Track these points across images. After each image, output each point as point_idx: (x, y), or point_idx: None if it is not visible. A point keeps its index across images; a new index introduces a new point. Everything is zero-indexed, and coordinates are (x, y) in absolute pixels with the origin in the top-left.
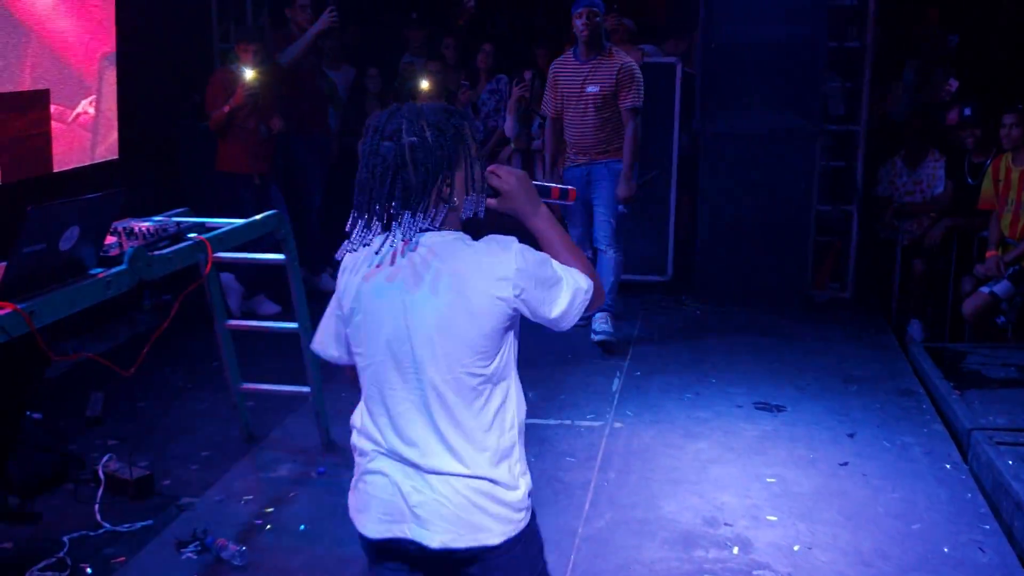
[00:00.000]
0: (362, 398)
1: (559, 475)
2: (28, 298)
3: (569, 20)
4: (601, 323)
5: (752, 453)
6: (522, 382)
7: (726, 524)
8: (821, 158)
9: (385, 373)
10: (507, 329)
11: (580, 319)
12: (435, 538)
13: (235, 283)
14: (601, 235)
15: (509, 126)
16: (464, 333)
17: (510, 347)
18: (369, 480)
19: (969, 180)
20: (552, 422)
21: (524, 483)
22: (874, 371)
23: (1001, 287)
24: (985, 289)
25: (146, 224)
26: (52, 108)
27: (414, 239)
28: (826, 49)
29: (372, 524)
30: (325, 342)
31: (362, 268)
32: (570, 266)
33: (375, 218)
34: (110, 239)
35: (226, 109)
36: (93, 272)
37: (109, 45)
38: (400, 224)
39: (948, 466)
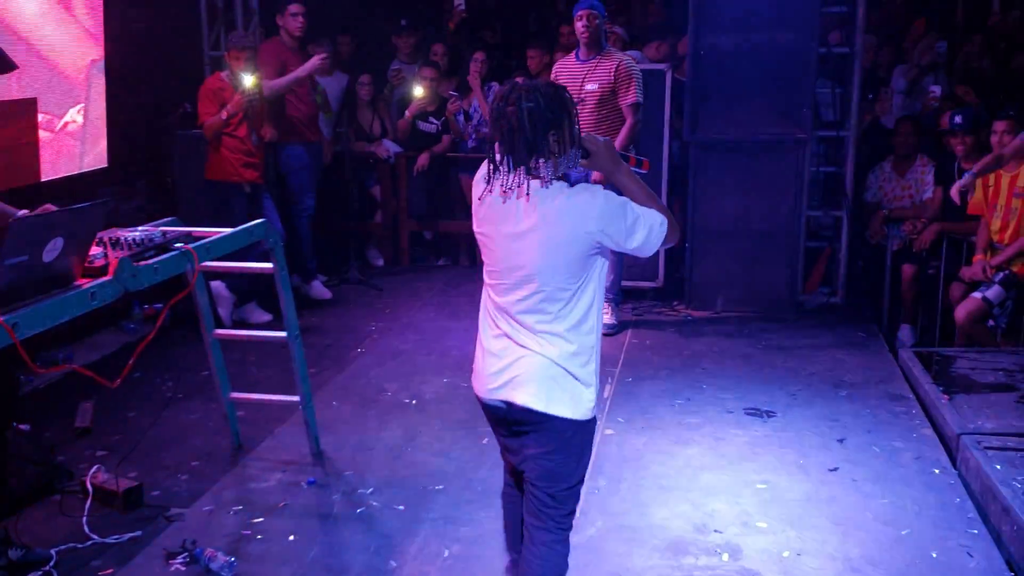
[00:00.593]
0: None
1: None
2: (11, 310)
3: (560, 24)
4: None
5: (742, 459)
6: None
7: (716, 531)
8: (811, 164)
9: (500, 276)
10: (592, 256)
11: None
12: (520, 398)
13: (226, 292)
14: None
15: None
16: (558, 257)
17: (598, 271)
18: (482, 356)
19: None
20: None
21: (594, 391)
22: (864, 376)
23: (993, 292)
24: (978, 294)
25: (132, 234)
26: (40, 116)
27: (527, 183)
28: (816, 55)
29: (480, 387)
30: None
31: (485, 197)
32: (649, 208)
33: (502, 163)
34: (95, 249)
35: (223, 115)
36: (77, 283)
37: (97, 53)
38: (516, 168)
39: (937, 471)
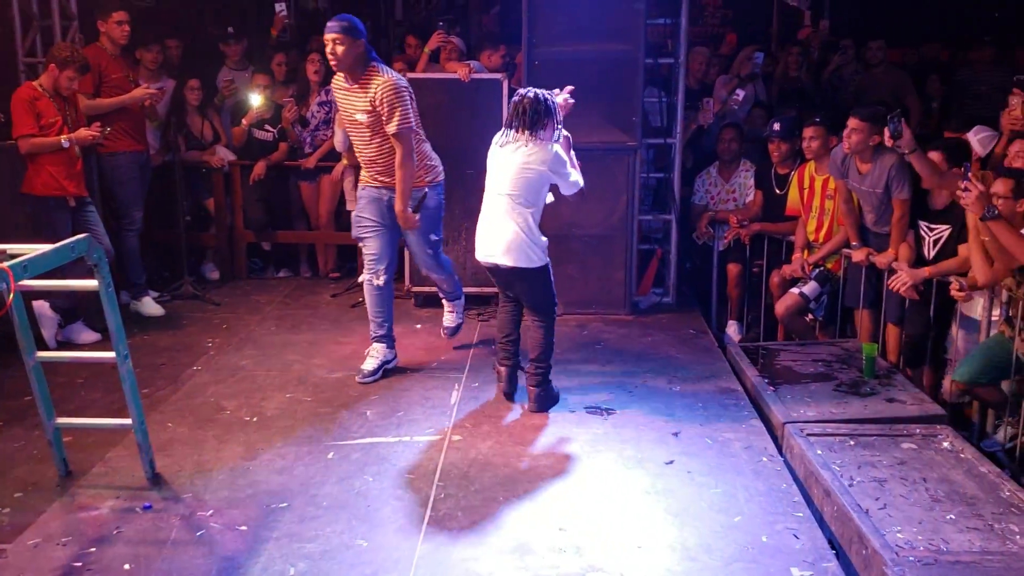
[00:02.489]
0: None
1: (398, 493)
2: None
3: (402, 32)
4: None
5: (584, 457)
6: (362, 402)
7: (560, 529)
8: (642, 170)
9: (490, 188)
10: (546, 185)
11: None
12: (507, 261)
13: (49, 312)
14: (421, 263)
15: (339, 140)
16: (526, 182)
17: (544, 193)
18: (479, 233)
19: (776, 190)
20: (391, 439)
21: (544, 241)
22: (696, 372)
23: (809, 288)
24: (795, 290)
25: None
26: None
27: (527, 141)
28: (643, 65)
29: (480, 255)
30: None
31: (497, 142)
32: (575, 169)
33: (513, 130)
34: None
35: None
36: None
37: None
38: (522, 134)
39: (765, 459)
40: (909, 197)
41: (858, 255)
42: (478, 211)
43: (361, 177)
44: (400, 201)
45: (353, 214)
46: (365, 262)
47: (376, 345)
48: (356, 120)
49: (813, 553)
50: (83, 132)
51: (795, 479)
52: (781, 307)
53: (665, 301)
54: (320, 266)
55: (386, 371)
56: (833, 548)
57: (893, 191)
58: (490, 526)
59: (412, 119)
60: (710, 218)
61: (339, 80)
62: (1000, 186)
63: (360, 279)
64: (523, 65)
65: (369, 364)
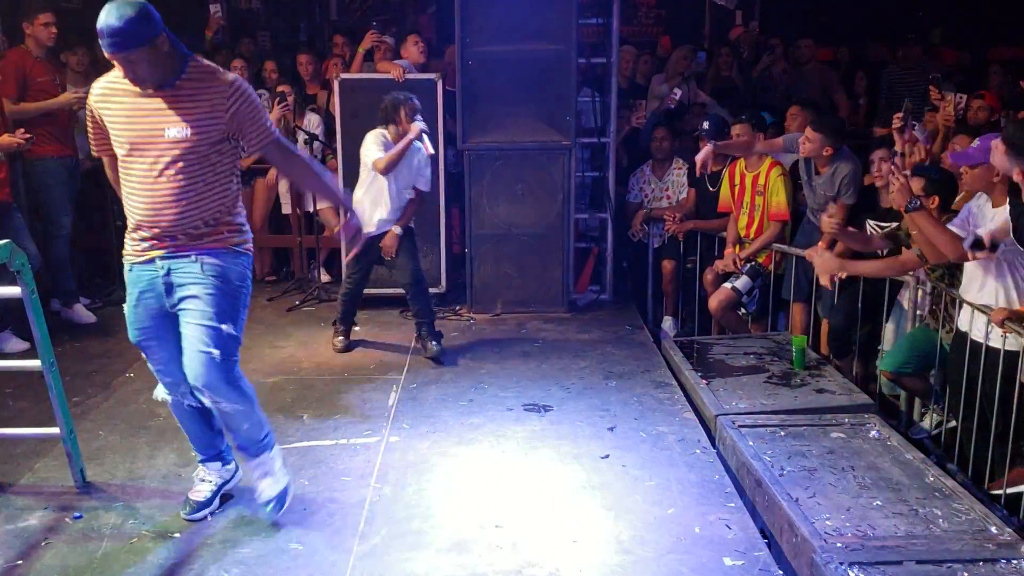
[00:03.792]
0: None
1: (334, 496)
2: None
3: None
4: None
5: (521, 454)
6: (299, 405)
7: (497, 526)
8: (577, 169)
9: None
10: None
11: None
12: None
13: None
14: (196, 373)
15: None
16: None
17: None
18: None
19: (709, 187)
20: (327, 443)
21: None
22: (631, 367)
23: (741, 282)
24: (727, 285)
25: None
26: None
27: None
28: (576, 65)
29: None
30: None
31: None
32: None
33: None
34: None
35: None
36: None
37: None
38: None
39: (698, 451)
40: (854, 203)
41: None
42: (416, 213)
43: (132, 248)
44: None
45: (125, 308)
46: (158, 377)
47: (205, 466)
48: (164, 139)
49: (745, 543)
50: (6, 138)
51: (728, 470)
52: (714, 302)
53: (602, 298)
54: (256, 270)
55: (324, 375)
56: (765, 537)
57: (841, 195)
58: (427, 526)
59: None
60: (644, 216)
61: (113, 83)
62: (913, 184)
63: (157, 395)
64: (456, 65)
65: (201, 492)
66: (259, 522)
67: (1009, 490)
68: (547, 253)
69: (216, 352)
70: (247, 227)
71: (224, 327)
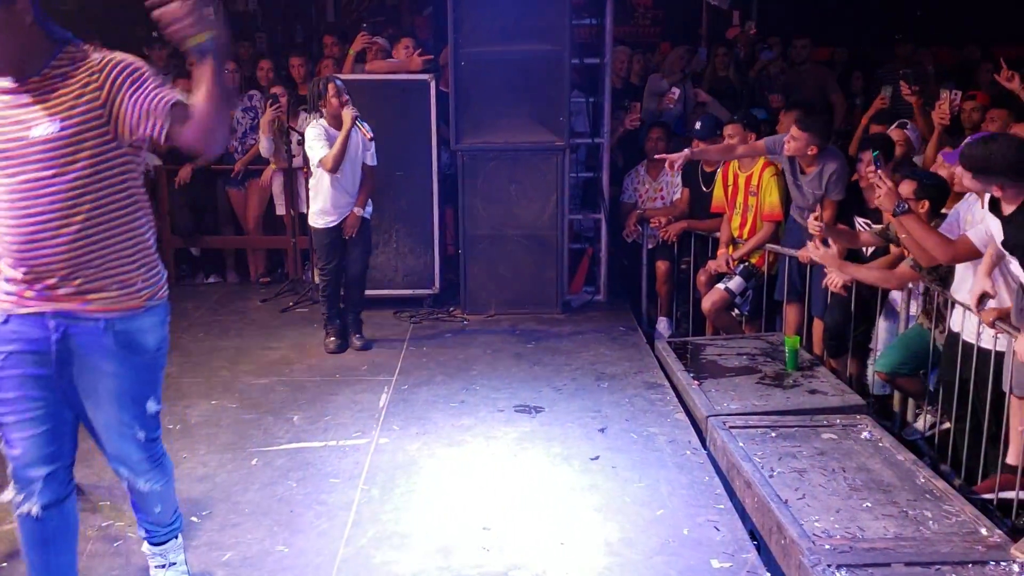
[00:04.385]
0: None
1: (321, 497)
2: None
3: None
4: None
5: (512, 456)
6: (289, 407)
7: (485, 528)
8: (571, 170)
9: None
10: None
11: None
12: None
13: None
14: (116, 451)
15: (264, 147)
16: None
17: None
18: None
19: (703, 187)
20: (317, 444)
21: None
22: (624, 368)
23: (734, 283)
24: (721, 285)
25: None
26: None
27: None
28: (569, 66)
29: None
30: None
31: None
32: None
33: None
34: None
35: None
36: None
37: None
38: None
39: (689, 452)
40: (841, 199)
41: (804, 255)
42: (409, 213)
43: (6, 293)
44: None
45: None
46: (12, 467)
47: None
48: (29, 140)
49: (733, 544)
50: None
51: (718, 472)
52: (708, 303)
53: (596, 299)
54: (251, 272)
55: (315, 377)
56: (755, 539)
57: (829, 193)
58: (414, 528)
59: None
60: (639, 216)
61: None
62: (905, 187)
63: (5, 497)
64: (449, 65)
65: None
66: (246, 524)
67: (1001, 494)
68: (541, 254)
69: (142, 434)
70: (159, 265)
71: (148, 405)
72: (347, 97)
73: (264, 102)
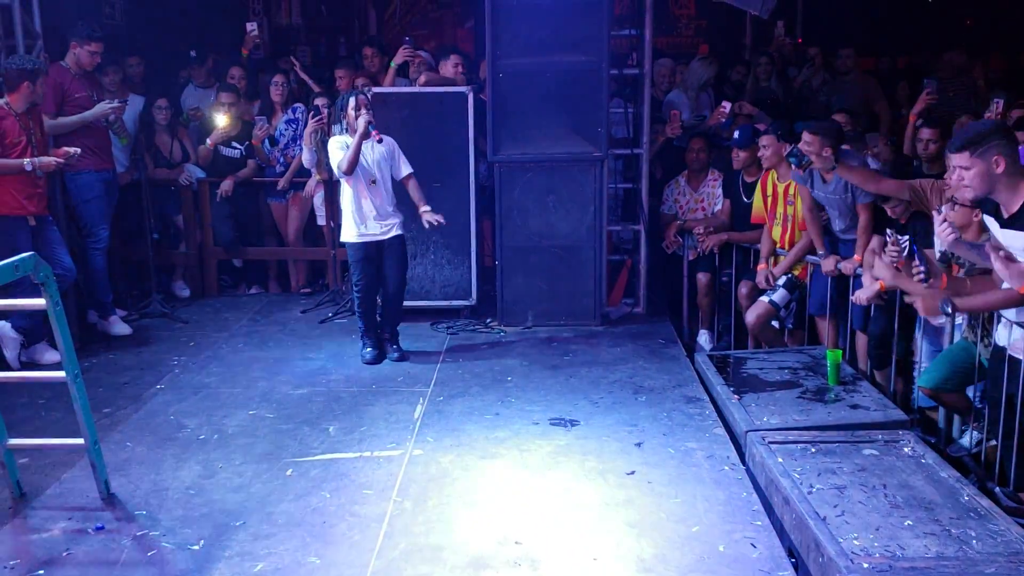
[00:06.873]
0: None
1: (354, 509)
2: None
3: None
4: None
5: (546, 469)
6: (325, 418)
7: (517, 543)
8: (610, 180)
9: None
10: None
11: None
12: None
13: (11, 332)
14: None
15: (307, 158)
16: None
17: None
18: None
19: (744, 198)
20: (351, 455)
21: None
22: (663, 382)
23: (779, 295)
24: (765, 298)
25: None
26: None
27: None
28: (608, 76)
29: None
30: None
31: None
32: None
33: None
34: None
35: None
36: None
37: None
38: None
39: (727, 468)
40: (871, 201)
41: (827, 264)
42: (447, 225)
43: None
44: None
45: None
46: None
47: None
48: None
49: (770, 562)
50: (48, 161)
51: (757, 488)
52: (752, 316)
53: (636, 311)
54: (292, 283)
55: (352, 387)
56: (792, 557)
57: (858, 197)
58: (446, 541)
59: None
60: (678, 227)
61: None
62: (961, 215)
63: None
64: (487, 77)
65: None
66: (279, 535)
67: None
68: (579, 265)
69: None
70: None
71: None
72: (364, 109)
73: (308, 114)
